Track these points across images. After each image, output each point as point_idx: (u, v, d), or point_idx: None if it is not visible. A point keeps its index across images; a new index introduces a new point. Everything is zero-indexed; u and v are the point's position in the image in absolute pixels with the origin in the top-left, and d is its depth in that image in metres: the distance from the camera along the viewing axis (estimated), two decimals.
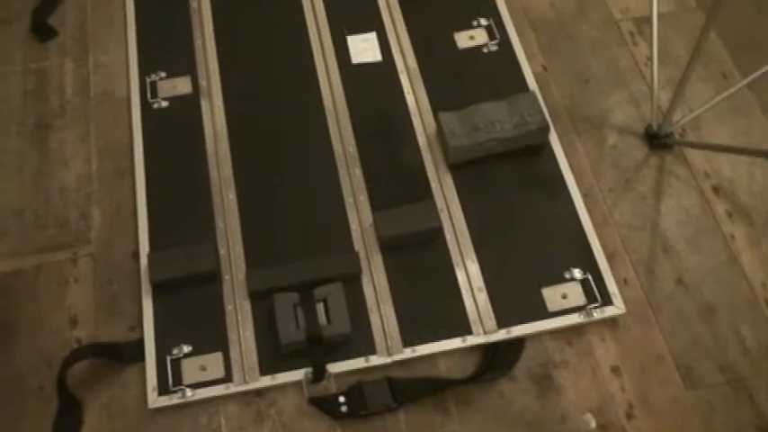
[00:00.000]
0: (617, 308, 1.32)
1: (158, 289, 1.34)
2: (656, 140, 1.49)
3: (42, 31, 1.65)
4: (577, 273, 1.35)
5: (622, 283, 1.36)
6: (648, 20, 1.53)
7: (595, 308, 1.32)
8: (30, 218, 1.44)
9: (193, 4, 1.66)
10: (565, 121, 1.54)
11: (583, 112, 1.55)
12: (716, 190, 1.46)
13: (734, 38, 1.63)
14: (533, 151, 1.47)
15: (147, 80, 1.57)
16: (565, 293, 1.33)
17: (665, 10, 1.66)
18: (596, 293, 1.33)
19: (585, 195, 1.44)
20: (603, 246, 1.38)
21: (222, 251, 1.38)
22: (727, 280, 1.37)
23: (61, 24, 1.67)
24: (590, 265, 1.36)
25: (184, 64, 1.59)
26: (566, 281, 1.34)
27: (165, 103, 1.54)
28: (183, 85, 1.56)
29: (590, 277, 1.34)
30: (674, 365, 1.30)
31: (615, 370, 1.29)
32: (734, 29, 1.64)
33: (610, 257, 1.38)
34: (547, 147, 1.48)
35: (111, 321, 1.34)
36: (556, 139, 1.49)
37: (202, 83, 1.56)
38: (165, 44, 1.62)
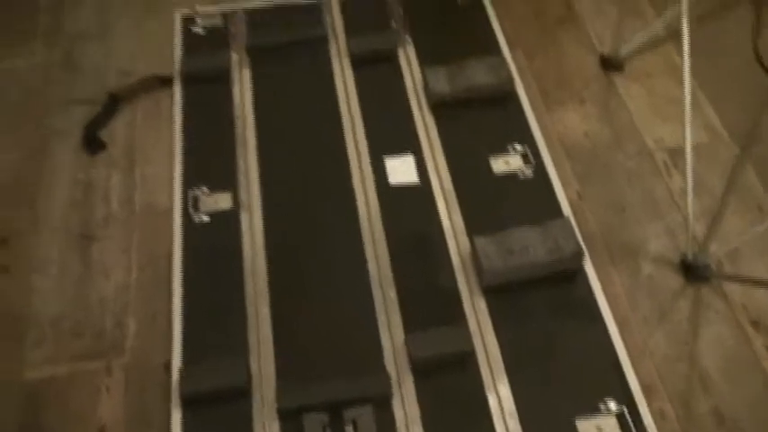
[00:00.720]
0: None
1: (188, 401, 1.34)
2: (693, 272, 1.49)
3: (93, 143, 1.72)
4: (612, 405, 1.32)
5: (659, 416, 1.33)
6: (682, 151, 1.55)
7: None
8: (67, 326, 1.46)
9: (238, 123, 1.73)
10: (600, 248, 1.54)
11: (618, 240, 1.56)
12: (755, 324, 1.44)
13: None
14: (567, 277, 1.47)
15: (190, 194, 1.61)
16: (600, 426, 1.30)
17: (699, 141, 1.69)
18: (632, 428, 1.30)
19: (621, 324, 1.43)
20: (639, 377, 1.36)
21: (253, 365, 1.38)
22: (767, 415, 1.34)
23: (111, 138, 1.74)
24: (625, 396, 1.33)
25: (226, 180, 1.63)
26: (600, 412, 1.32)
27: (206, 218, 1.58)
28: (223, 201, 1.60)
29: (626, 410, 1.32)
30: None
31: None
32: None
33: (646, 389, 1.35)
34: (581, 273, 1.48)
35: None
36: (590, 266, 1.49)
37: (243, 199, 1.60)
38: (208, 160, 1.68)
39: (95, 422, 1.35)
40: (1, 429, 1.34)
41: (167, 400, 1.35)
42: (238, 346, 1.40)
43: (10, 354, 1.43)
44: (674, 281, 1.50)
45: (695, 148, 1.57)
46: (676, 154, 1.68)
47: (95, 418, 1.35)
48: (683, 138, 1.51)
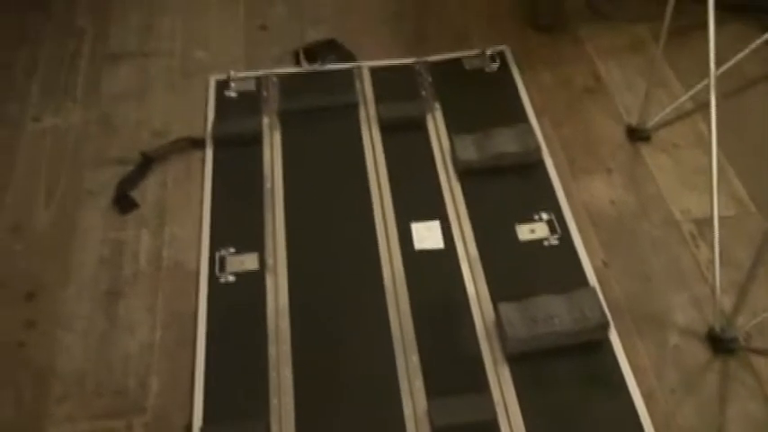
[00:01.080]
0: None
1: None
2: (720, 344, 1.47)
3: (124, 203, 1.75)
4: None
5: None
6: (709, 222, 1.55)
7: None
8: (90, 384, 1.46)
9: (267, 185, 1.75)
10: (625, 318, 1.53)
11: (644, 310, 1.55)
12: None
13: None
14: (593, 347, 1.46)
15: (217, 255, 1.63)
16: None
17: (726, 213, 1.69)
18: None
19: (646, 396, 1.40)
20: None
21: (274, 429, 1.37)
22: None
23: (142, 198, 1.77)
24: None
25: (253, 241, 1.65)
26: None
27: (231, 278, 1.59)
28: (250, 262, 1.62)
29: None
30: None
31: None
32: None
33: None
34: (606, 343, 1.47)
35: None
36: (616, 336, 1.48)
37: (269, 260, 1.61)
38: (236, 221, 1.70)
39: None
40: None
41: None
42: (260, 409, 1.40)
43: (32, 409, 1.43)
44: (701, 353, 1.48)
45: (722, 219, 1.56)
46: (703, 225, 1.68)
47: None
48: (711, 209, 1.50)
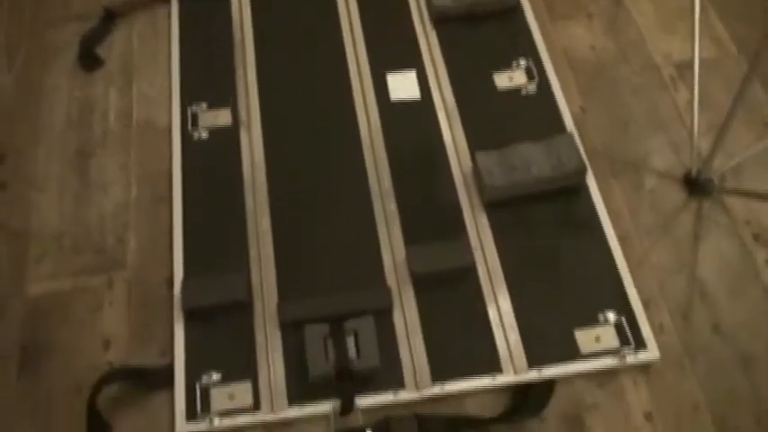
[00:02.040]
0: (651, 353, 1.30)
1: (190, 316, 1.35)
2: (696, 186, 1.48)
3: (89, 60, 1.69)
4: (611, 316, 1.33)
5: (657, 328, 1.34)
6: (690, 65, 1.52)
7: (629, 352, 1.30)
8: (68, 242, 1.46)
9: (237, 37, 1.69)
10: (602, 163, 1.53)
11: (621, 155, 1.54)
12: (756, 237, 1.43)
13: None
14: (570, 193, 1.47)
15: (189, 111, 1.59)
16: (598, 336, 1.31)
17: (707, 56, 1.66)
18: (630, 338, 1.31)
19: (622, 238, 1.42)
20: (639, 290, 1.36)
21: (255, 280, 1.38)
22: (767, 330, 1.34)
23: (108, 55, 1.71)
24: (625, 308, 1.34)
25: (225, 96, 1.61)
26: (599, 323, 1.33)
27: (204, 134, 1.56)
28: (223, 117, 1.58)
29: (624, 321, 1.32)
30: (709, 415, 1.27)
31: (648, 416, 1.27)
32: None
33: (645, 302, 1.36)
34: (584, 188, 1.47)
35: (143, 346, 1.35)
36: (593, 181, 1.48)
37: (242, 115, 1.58)
38: (207, 76, 1.65)
39: (99, 335, 1.36)
40: (5, 343, 1.36)
41: (170, 314, 1.36)
42: (239, 261, 1.41)
43: (11, 269, 1.43)
44: (677, 195, 1.49)
45: (703, 62, 1.54)
46: (683, 68, 1.65)
47: (99, 332, 1.36)
48: (692, 51, 1.48)
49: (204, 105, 1.60)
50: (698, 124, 1.49)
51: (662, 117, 1.59)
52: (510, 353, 1.30)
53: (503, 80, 1.62)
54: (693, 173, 1.49)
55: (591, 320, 1.33)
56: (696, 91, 1.48)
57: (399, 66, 1.65)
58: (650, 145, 1.55)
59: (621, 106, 1.61)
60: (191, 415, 1.26)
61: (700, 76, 1.48)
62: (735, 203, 1.47)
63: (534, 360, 1.29)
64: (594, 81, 1.65)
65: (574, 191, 1.47)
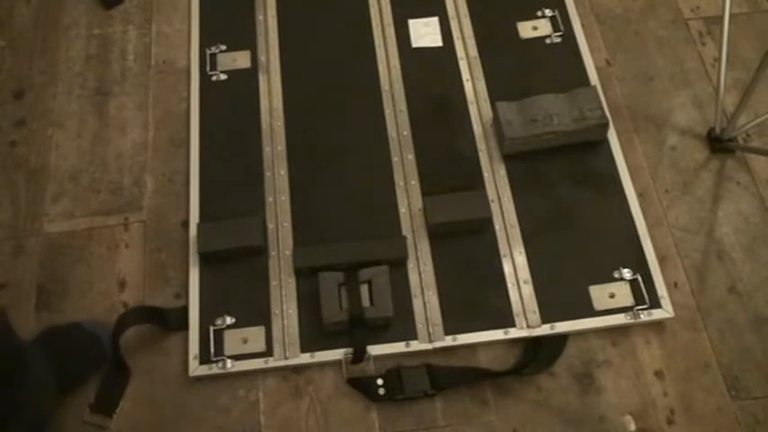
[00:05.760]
0: (665, 311, 1.30)
1: (205, 259, 1.35)
2: (718, 144, 1.46)
3: None
4: (627, 273, 1.32)
5: (672, 286, 1.34)
6: (719, 20, 1.48)
7: (643, 310, 1.29)
8: (85, 181, 1.46)
9: None
10: (625, 118, 1.51)
11: (644, 110, 1.52)
12: None
13: None
14: (590, 147, 1.45)
15: (208, 52, 1.57)
16: (612, 293, 1.31)
17: (738, 11, 1.62)
18: (645, 295, 1.30)
19: (641, 195, 1.41)
20: (656, 248, 1.35)
21: (270, 226, 1.38)
22: None
23: None
24: (640, 266, 1.34)
25: (245, 38, 1.59)
26: (614, 280, 1.32)
27: (223, 76, 1.55)
28: (242, 60, 1.57)
29: (639, 278, 1.32)
30: (721, 374, 1.27)
31: (659, 374, 1.27)
32: None
33: (661, 260, 1.35)
34: (605, 143, 1.45)
35: (157, 288, 1.36)
36: (614, 135, 1.46)
37: (261, 58, 1.56)
38: (227, 18, 1.63)
39: (115, 275, 1.37)
40: (22, 281, 1.37)
41: (185, 257, 1.37)
42: (256, 207, 1.40)
43: (29, 206, 1.44)
44: (699, 153, 1.47)
45: (733, 17, 1.50)
46: (712, 23, 1.61)
47: (115, 271, 1.37)
48: (722, 6, 1.44)
49: (223, 47, 1.58)
50: (724, 81, 1.46)
51: (688, 73, 1.56)
52: (523, 307, 1.30)
53: (526, 30, 1.59)
54: (717, 130, 1.46)
55: (606, 277, 1.32)
56: (724, 47, 1.44)
57: (422, 12, 1.62)
58: (674, 101, 1.53)
59: (647, 60, 1.57)
60: (204, 358, 1.27)
61: (729, 31, 1.45)
62: (758, 163, 1.45)
63: (547, 315, 1.29)
64: (621, 34, 1.61)
65: (595, 145, 1.45)
